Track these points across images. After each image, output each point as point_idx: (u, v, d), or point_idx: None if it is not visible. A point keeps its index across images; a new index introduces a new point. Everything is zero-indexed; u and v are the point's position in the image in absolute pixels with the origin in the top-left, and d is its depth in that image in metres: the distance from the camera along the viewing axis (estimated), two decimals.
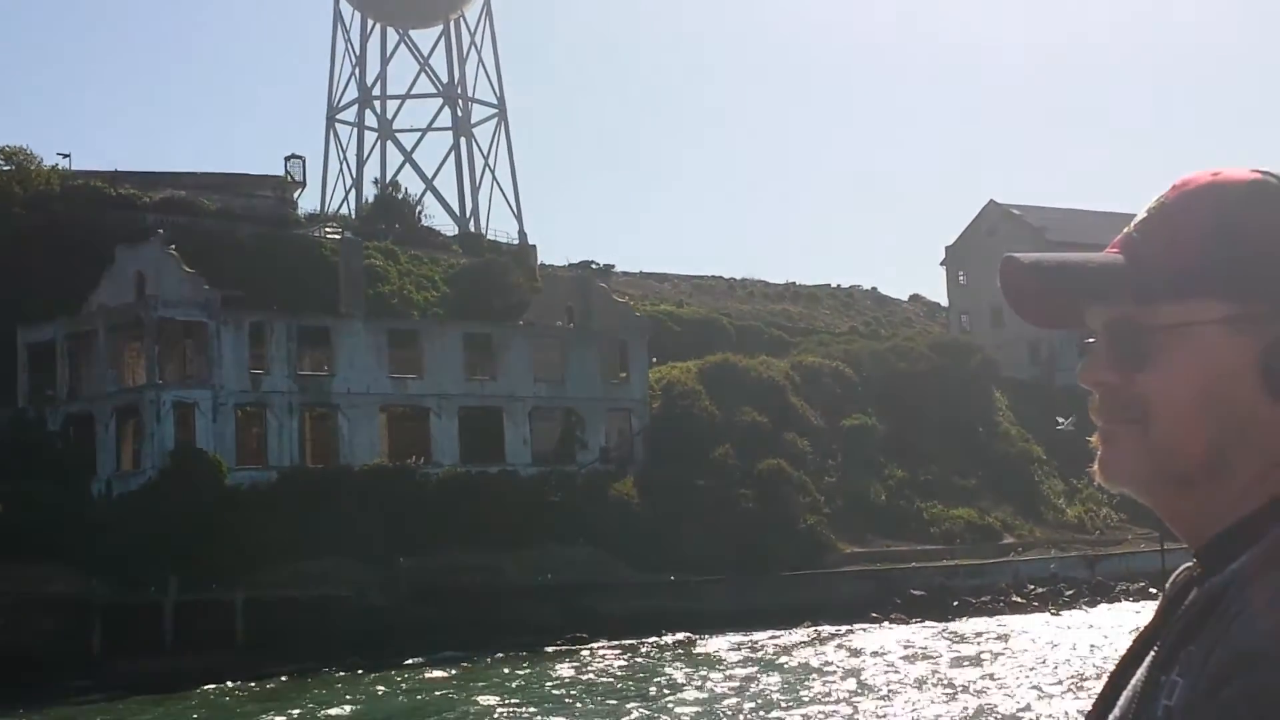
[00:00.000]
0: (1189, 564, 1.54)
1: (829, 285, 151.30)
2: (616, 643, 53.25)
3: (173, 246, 60.29)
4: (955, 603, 60.73)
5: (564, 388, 66.78)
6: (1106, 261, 1.49)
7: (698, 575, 59.09)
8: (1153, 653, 1.44)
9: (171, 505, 52.23)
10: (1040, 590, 63.35)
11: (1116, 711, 1.48)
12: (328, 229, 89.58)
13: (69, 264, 66.42)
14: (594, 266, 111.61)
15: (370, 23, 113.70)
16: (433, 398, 62.46)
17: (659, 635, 54.43)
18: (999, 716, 34.85)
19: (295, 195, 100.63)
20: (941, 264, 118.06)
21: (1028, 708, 35.70)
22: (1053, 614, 59.53)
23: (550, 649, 52.00)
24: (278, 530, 53.28)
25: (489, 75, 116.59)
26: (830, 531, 65.46)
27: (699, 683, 42.72)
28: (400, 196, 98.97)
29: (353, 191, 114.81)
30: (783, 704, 37.83)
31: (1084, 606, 61.92)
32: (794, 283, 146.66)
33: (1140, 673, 1.45)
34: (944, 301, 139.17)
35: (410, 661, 48.82)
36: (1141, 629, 1.53)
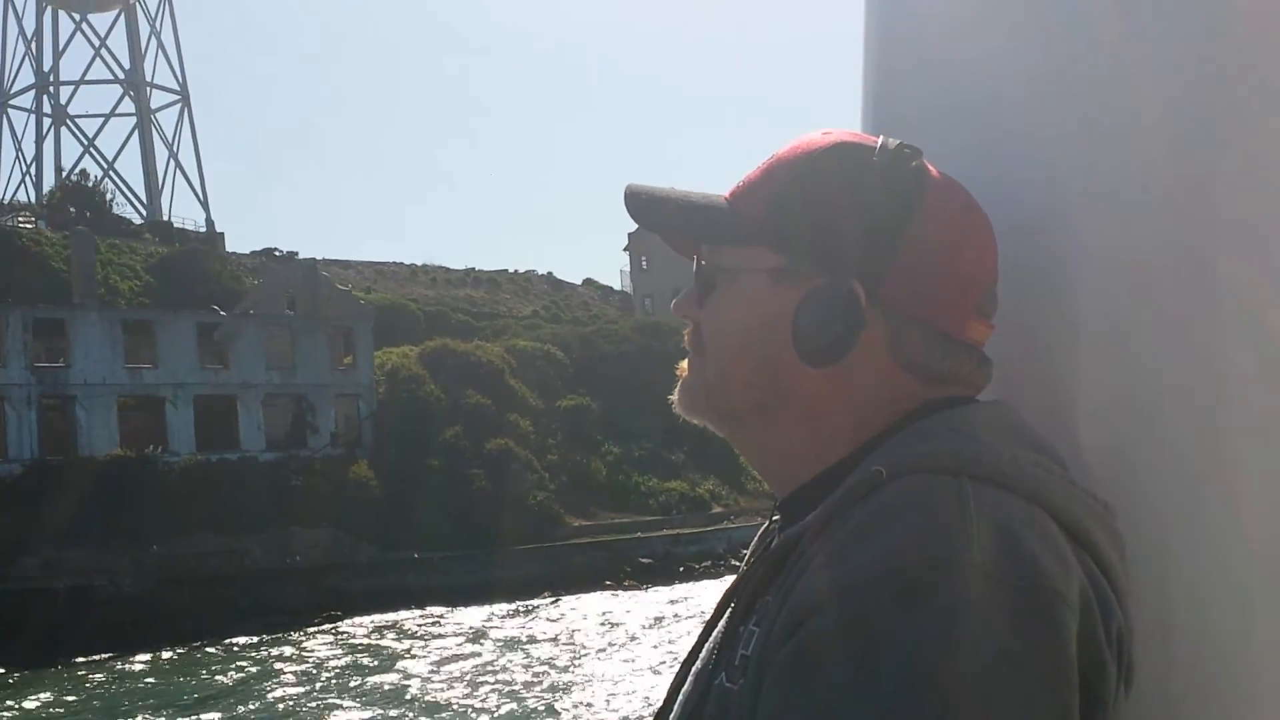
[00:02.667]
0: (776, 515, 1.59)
1: (507, 270, 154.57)
2: (369, 619, 55.21)
3: None
4: (681, 568, 65.02)
5: (294, 375, 67.87)
6: (700, 203, 1.57)
7: (438, 553, 61.46)
8: (733, 604, 1.47)
9: None
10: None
11: (697, 664, 1.51)
12: (20, 219, 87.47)
13: None
14: (277, 254, 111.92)
15: (44, 4, 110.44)
16: (168, 386, 62.71)
17: (410, 610, 56.63)
18: None
19: None
20: (625, 250, 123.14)
21: None
22: None
23: (310, 629, 53.56)
24: (25, 524, 53.05)
25: (170, 61, 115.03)
26: (559, 506, 68.82)
27: (464, 651, 45.41)
28: (90, 184, 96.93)
29: (26, 179, 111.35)
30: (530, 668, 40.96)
31: None
32: (473, 268, 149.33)
33: (721, 624, 1.49)
34: (617, 285, 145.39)
35: (171, 651, 49.60)
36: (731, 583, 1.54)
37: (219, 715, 36.49)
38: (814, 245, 1.45)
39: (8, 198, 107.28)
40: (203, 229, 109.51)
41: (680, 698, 1.51)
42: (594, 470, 73.60)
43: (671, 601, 55.91)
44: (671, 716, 1.51)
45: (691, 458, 79.78)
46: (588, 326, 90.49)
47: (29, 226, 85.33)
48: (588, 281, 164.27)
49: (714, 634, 1.50)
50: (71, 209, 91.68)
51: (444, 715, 35.41)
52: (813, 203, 1.45)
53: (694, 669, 1.52)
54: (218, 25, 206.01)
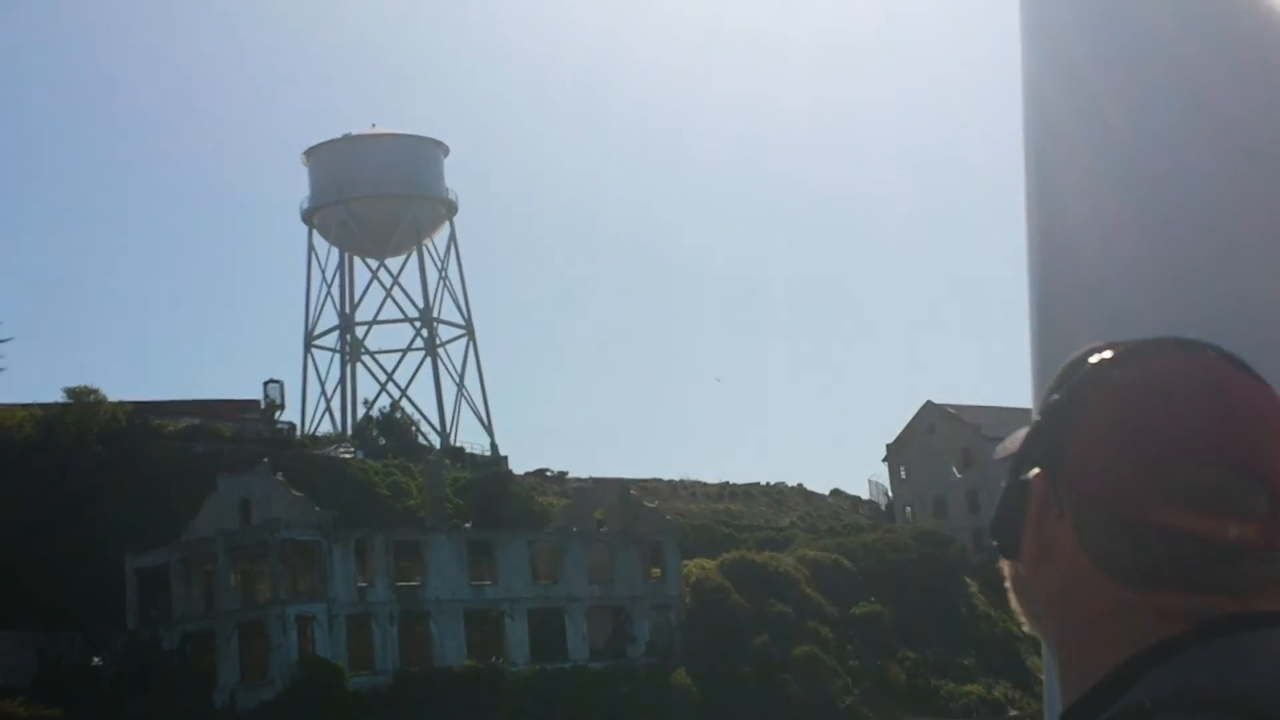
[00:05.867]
0: None
1: (759, 483, 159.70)
2: None
3: (279, 474, 66.04)
4: None
5: (613, 588, 73.10)
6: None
7: None
8: None
9: (304, 711, 57.36)
10: None
11: None
12: (342, 449, 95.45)
13: (146, 494, 71.67)
14: (549, 474, 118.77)
15: (345, 253, 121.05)
16: (506, 601, 68.42)
17: None
18: None
19: (276, 417, 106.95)
20: (883, 460, 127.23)
21: None
22: None
23: None
24: None
25: (455, 298, 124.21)
26: (866, 709, 72.17)
27: None
28: (397, 416, 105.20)
29: (329, 411, 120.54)
30: None
31: None
32: (728, 482, 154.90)
33: None
34: (864, 494, 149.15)
35: None
36: None
37: None
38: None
39: (312, 429, 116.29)
40: (488, 453, 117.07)
41: None
42: (893, 675, 76.81)
43: None
44: None
45: (980, 661, 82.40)
46: (872, 535, 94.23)
47: (349, 455, 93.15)
48: (835, 491, 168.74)
49: None
50: (382, 439, 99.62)
51: None
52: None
53: None
54: (499, 259, 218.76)
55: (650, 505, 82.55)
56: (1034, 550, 1.43)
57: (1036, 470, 1.43)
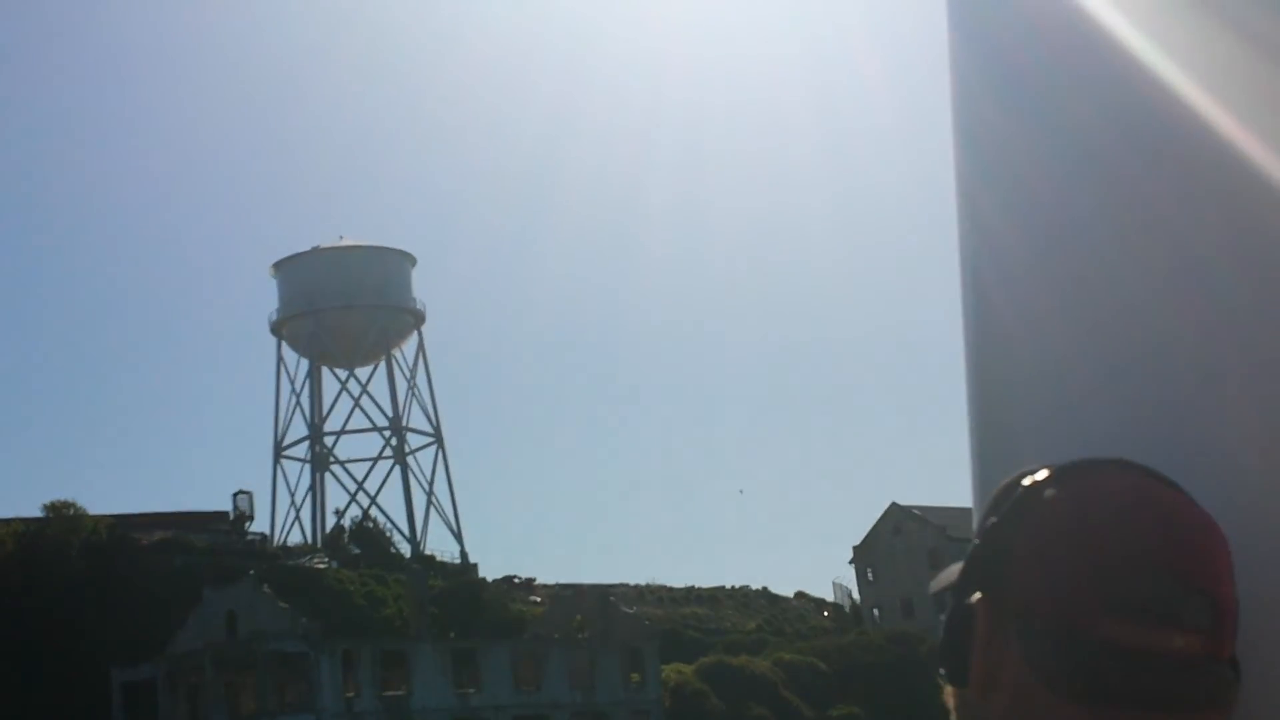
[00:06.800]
0: None
1: (724, 586, 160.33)
2: None
3: (266, 586, 66.63)
4: None
5: (594, 694, 73.71)
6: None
7: None
8: None
9: None
10: None
11: None
12: (316, 560, 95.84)
13: (128, 608, 72.02)
14: (517, 580, 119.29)
15: (315, 364, 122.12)
16: (490, 709, 68.95)
17: None
18: None
19: (246, 527, 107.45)
20: (850, 562, 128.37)
21: None
22: None
23: None
24: None
25: (423, 406, 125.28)
26: None
27: None
28: (370, 525, 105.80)
29: (299, 521, 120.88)
30: None
31: None
32: (694, 586, 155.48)
33: None
34: (829, 596, 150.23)
35: None
36: None
37: None
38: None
39: (281, 539, 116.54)
40: (458, 560, 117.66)
41: None
42: None
43: None
44: None
45: None
46: (846, 637, 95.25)
47: (324, 566, 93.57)
48: (800, 594, 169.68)
49: None
50: (356, 549, 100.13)
51: None
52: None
53: None
54: (465, 371, 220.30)
55: (629, 611, 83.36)
56: (981, 675, 1.42)
57: (979, 595, 1.43)
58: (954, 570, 1.52)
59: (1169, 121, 1.74)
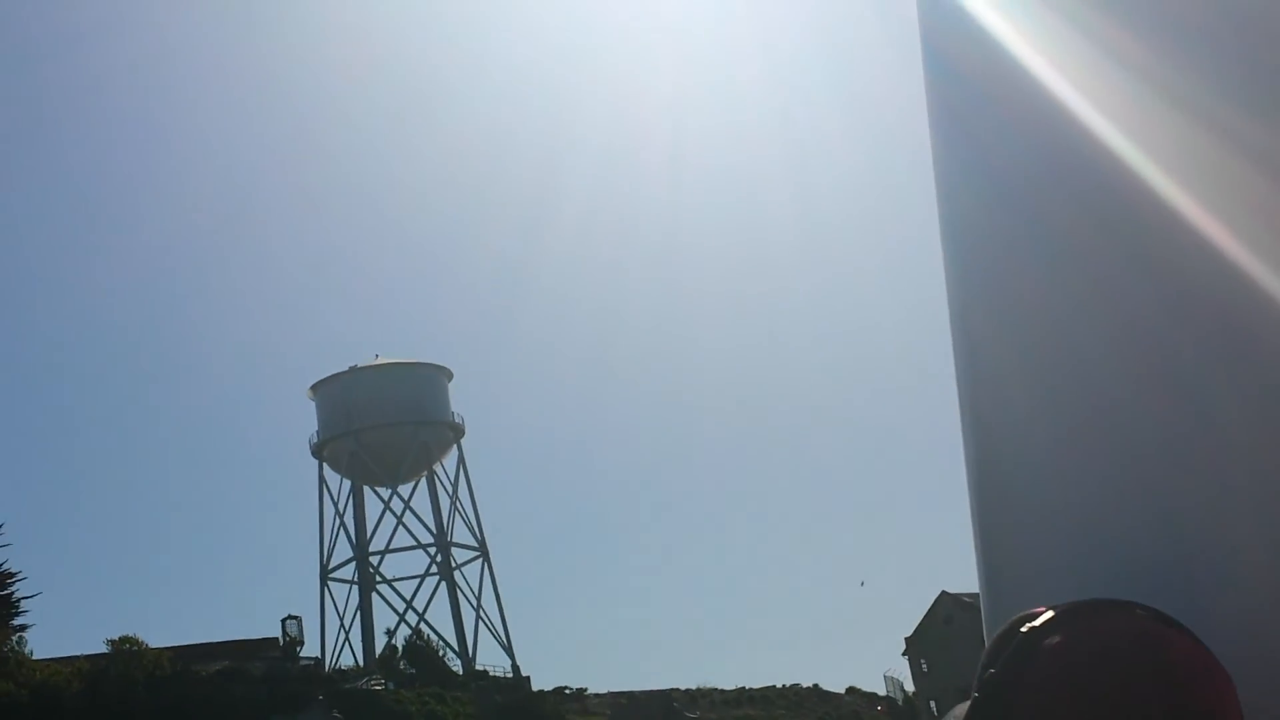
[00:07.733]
0: None
1: (774, 686, 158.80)
2: None
3: (336, 712, 66.35)
4: None
5: None
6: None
7: None
8: None
9: None
10: None
11: None
12: (373, 681, 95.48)
13: None
14: (568, 691, 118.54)
15: (358, 485, 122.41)
16: None
17: None
18: None
19: (298, 652, 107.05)
20: (903, 654, 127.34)
21: None
22: None
23: None
24: None
25: (466, 520, 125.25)
26: None
27: None
28: (423, 644, 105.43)
29: (346, 644, 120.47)
30: None
31: None
32: (744, 687, 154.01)
33: None
34: (881, 690, 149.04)
35: None
36: None
37: None
38: None
39: (334, 662, 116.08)
40: (510, 673, 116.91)
41: None
42: None
43: None
44: None
45: None
46: None
47: (380, 687, 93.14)
48: (851, 689, 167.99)
49: None
50: (412, 669, 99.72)
51: None
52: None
53: None
54: (504, 480, 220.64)
55: (692, 717, 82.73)
56: None
57: None
58: (957, 716, 1.59)
59: (1145, 216, 1.77)
